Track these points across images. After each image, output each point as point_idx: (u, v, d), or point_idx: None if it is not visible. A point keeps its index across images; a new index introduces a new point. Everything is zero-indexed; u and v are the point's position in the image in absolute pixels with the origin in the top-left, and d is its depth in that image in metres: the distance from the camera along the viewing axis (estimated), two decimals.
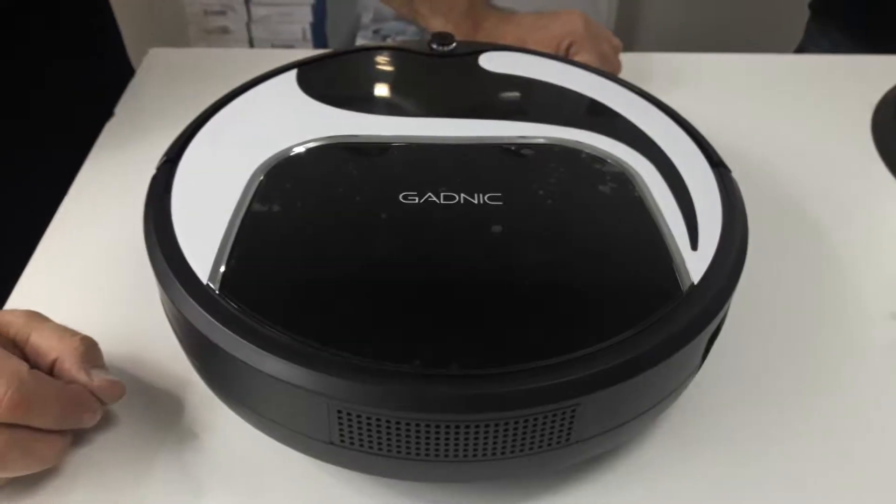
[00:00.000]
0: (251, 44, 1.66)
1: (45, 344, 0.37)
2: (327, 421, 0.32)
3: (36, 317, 0.38)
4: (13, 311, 0.38)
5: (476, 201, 0.38)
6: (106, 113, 0.61)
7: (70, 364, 0.37)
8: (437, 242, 0.37)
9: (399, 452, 0.32)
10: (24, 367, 0.34)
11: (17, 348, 0.37)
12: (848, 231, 0.53)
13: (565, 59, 0.52)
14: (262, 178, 0.40)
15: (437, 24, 0.66)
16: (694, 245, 0.37)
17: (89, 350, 0.38)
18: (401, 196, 0.38)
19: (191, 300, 0.34)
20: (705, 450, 0.39)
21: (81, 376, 0.37)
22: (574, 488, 0.38)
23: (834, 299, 0.48)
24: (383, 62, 0.51)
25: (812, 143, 0.61)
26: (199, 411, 0.40)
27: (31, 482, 0.37)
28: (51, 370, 0.37)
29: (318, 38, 1.68)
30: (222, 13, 1.62)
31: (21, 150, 0.59)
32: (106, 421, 0.39)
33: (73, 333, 0.38)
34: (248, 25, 1.65)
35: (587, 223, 0.39)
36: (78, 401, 0.36)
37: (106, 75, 0.65)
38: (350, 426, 0.32)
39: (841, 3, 0.88)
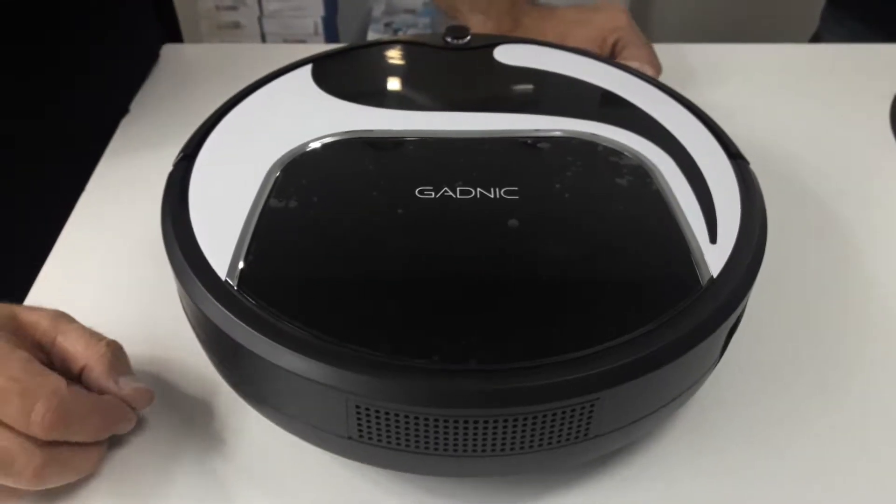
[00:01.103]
0: (263, 39, 1.67)
1: (71, 350, 0.37)
2: (346, 416, 0.32)
3: (62, 319, 0.38)
4: (39, 311, 0.38)
5: (492, 196, 0.38)
6: (121, 109, 0.61)
7: (98, 373, 0.37)
8: (454, 237, 0.37)
9: (418, 447, 0.32)
10: (62, 383, 0.34)
11: (43, 351, 0.37)
12: (867, 222, 0.52)
13: (579, 50, 0.51)
14: (278, 173, 0.40)
15: (477, 21, 0.64)
16: (713, 238, 0.37)
17: (116, 356, 0.38)
18: (417, 191, 0.38)
19: (209, 297, 0.34)
20: (723, 444, 0.39)
21: (111, 386, 0.37)
22: (591, 483, 0.38)
23: (853, 292, 0.48)
24: (398, 56, 0.51)
25: (830, 134, 0.60)
26: (217, 408, 0.40)
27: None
28: (79, 376, 0.37)
29: (330, 32, 1.68)
30: (234, 8, 1.62)
31: (36, 148, 0.59)
32: None
33: (100, 338, 0.38)
34: (259, 20, 1.65)
35: (605, 217, 0.39)
36: (114, 412, 0.37)
37: (135, 71, 0.66)
38: (369, 421, 0.32)
39: None
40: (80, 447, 0.35)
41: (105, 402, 0.36)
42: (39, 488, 0.35)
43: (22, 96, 0.57)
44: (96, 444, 0.36)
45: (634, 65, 0.57)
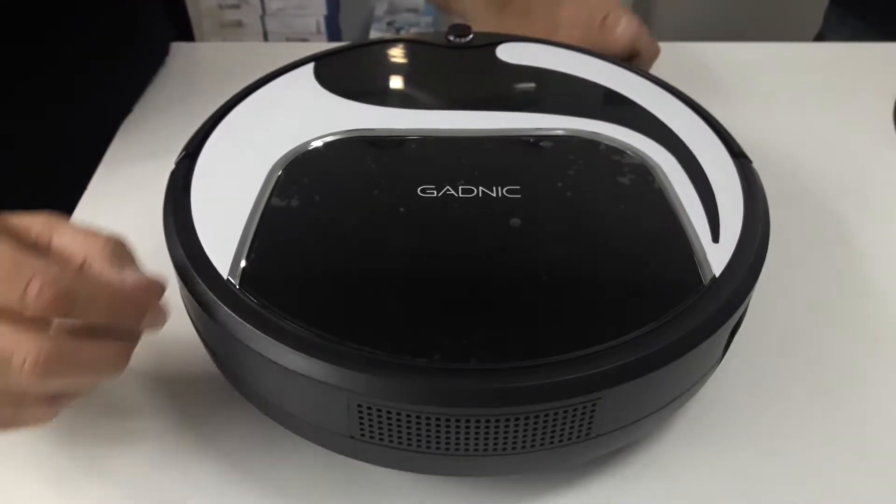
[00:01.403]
0: (265, 37, 1.67)
1: (69, 246, 0.33)
2: (347, 415, 0.32)
3: (56, 219, 0.34)
4: (31, 216, 0.34)
5: (494, 194, 0.38)
6: (127, 108, 0.61)
7: (99, 265, 0.33)
8: (456, 236, 0.37)
9: (419, 446, 0.32)
10: (55, 265, 0.31)
11: (40, 253, 0.33)
12: (870, 221, 0.52)
13: (583, 49, 0.51)
14: (280, 172, 0.40)
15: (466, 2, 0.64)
16: (715, 237, 0.37)
17: (118, 249, 0.34)
18: (419, 190, 0.38)
19: (211, 295, 0.34)
20: (725, 444, 0.39)
21: (113, 276, 0.33)
22: (593, 482, 0.38)
23: (856, 292, 0.47)
24: (400, 55, 0.51)
25: (833, 133, 0.60)
26: (218, 406, 0.40)
27: (41, 475, 0.37)
28: None
29: (332, 31, 1.69)
30: (236, 7, 1.63)
31: (37, 149, 0.59)
32: (124, 416, 0.40)
33: (98, 233, 0.34)
34: (262, 19, 1.65)
35: (607, 216, 0.38)
36: (126, 296, 0.32)
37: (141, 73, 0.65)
38: (370, 420, 0.32)
39: None
40: (93, 341, 0.31)
41: (112, 287, 0.32)
42: (47, 387, 0.31)
43: (22, 96, 0.57)
44: (114, 337, 0.33)
45: (624, 23, 0.56)
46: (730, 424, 0.40)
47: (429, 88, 0.47)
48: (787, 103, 0.63)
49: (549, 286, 0.35)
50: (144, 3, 0.67)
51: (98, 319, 0.32)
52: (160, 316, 0.34)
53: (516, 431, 0.32)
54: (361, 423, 0.32)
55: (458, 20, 0.60)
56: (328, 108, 0.45)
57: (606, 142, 0.42)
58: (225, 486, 0.37)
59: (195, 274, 0.35)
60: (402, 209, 0.38)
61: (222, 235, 0.36)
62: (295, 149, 0.41)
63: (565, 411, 0.31)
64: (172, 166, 0.41)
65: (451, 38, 0.50)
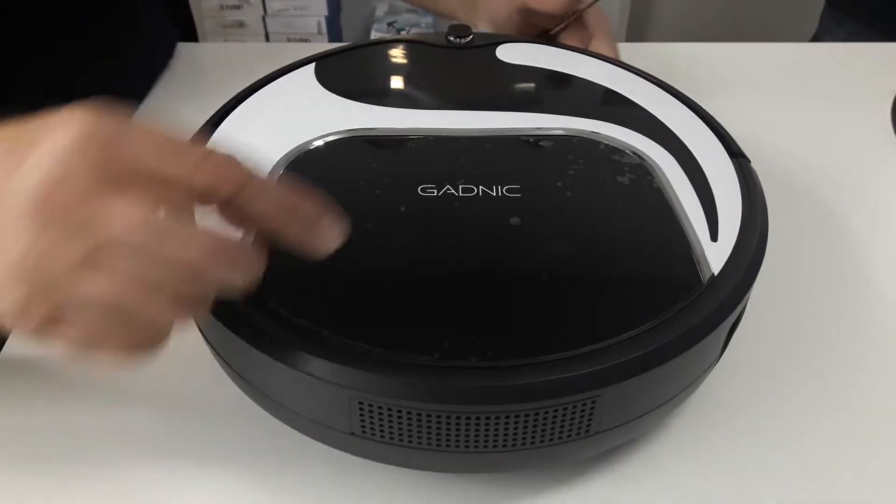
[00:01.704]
0: (266, 38, 1.67)
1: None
2: (348, 412, 0.32)
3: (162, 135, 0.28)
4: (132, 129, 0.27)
5: (494, 193, 0.39)
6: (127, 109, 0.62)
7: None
8: (456, 235, 0.37)
9: (419, 443, 0.33)
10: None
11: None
12: (868, 220, 0.52)
13: (583, 50, 0.51)
14: (282, 171, 0.40)
15: None
16: (714, 236, 0.37)
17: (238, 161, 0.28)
18: (419, 189, 0.39)
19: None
20: (723, 442, 0.39)
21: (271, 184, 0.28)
22: (591, 479, 0.38)
23: (854, 290, 0.48)
24: (401, 55, 0.51)
25: (831, 133, 0.60)
26: (220, 405, 0.41)
27: (37, 476, 0.37)
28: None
29: (333, 32, 1.69)
30: (238, 7, 1.63)
31: None
32: (124, 414, 0.40)
33: (211, 150, 0.28)
34: (263, 20, 1.65)
35: (606, 214, 0.39)
36: (297, 198, 0.28)
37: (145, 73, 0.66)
38: (371, 417, 0.32)
39: None
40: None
41: (277, 188, 0.27)
42: (204, 280, 0.26)
43: (22, 96, 0.57)
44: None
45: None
46: (728, 422, 0.40)
47: (429, 88, 0.47)
48: (786, 103, 0.63)
49: (548, 285, 0.35)
50: (146, 4, 0.67)
51: (266, 210, 0.27)
52: (333, 229, 0.29)
53: (516, 429, 0.32)
54: (363, 421, 0.32)
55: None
56: (329, 108, 0.45)
57: (606, 141, 0.42)
58: (225, 483, 0.38)
59: None
60: (402, 208, 0.38)
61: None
62: (296, 148, 0.41)
63: (565, 409, 0.32)
64: None
65: (451, 38, 0.51)
